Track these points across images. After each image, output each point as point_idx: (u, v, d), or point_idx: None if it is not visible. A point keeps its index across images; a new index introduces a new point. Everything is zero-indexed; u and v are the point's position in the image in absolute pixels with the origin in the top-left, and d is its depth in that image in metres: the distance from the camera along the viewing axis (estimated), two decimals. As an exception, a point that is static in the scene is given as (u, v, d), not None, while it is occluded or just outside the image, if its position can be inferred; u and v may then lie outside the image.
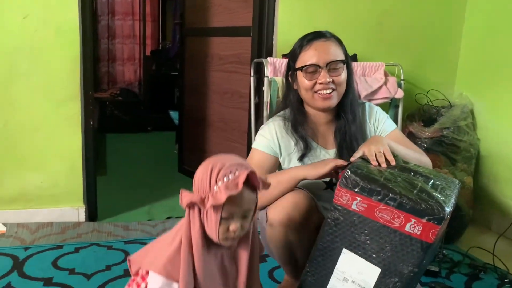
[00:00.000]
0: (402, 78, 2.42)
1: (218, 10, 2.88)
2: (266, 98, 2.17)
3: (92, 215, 2.38)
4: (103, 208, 2.49)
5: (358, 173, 1.16)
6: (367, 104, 1.57)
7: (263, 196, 1.36)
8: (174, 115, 4.15)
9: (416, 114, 2.62)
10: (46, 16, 2.12)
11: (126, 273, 1.79)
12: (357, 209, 1.16)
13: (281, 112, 1.55)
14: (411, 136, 2.55)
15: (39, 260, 1.87)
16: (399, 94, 2.34)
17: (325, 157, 1.50)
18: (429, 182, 1.18)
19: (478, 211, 2.56)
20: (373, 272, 1.17)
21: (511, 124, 2.44)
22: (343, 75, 1.42)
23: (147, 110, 5.12)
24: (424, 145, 2.49)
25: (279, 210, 1.34)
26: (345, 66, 1.44)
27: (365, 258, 1.18)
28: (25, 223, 2.24)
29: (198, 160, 3.21)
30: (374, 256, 1.16)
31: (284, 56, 2.35)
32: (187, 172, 3.35)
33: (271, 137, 1.48)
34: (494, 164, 2.53)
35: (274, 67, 2.15)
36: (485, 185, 2.58)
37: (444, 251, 2.07)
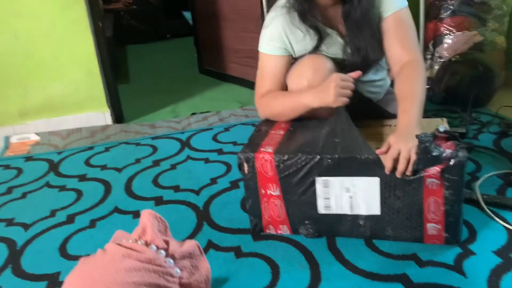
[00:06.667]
0: None
1: None
2: (274, -27, 2.03)
3: (118, 117, 2.44)
4: (128, 112, 2.54)
5: None
6: None
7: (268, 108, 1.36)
8: (188, 15, 4.04)
9: (441, -26, 2.39)
10: None
11: (155, 164, 1.85)
12: None
13: (282, 1, 1.38)
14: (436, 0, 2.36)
15: (73, 161, 1.96)
16: (420, -49, 2.13)
17: (341, 42, 1.37)
18: None
19: (510, 72, 2.42)
20: None
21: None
22: None
23: (163, 16, 4.98)
24: (451, 7, 2.31)
25: (298, 78, 1.30)
26: None
27: None
28: (56, 130, 2.32)
29: (216, 58, 3.16)
30: None
31: None
32: (208, 71, 3.31)
33: (279, 36, 1.34)
34: (529, 20, 2.33)
35: None
36: (519, 44, 2.41)
37: (472, 114, 2.00)
